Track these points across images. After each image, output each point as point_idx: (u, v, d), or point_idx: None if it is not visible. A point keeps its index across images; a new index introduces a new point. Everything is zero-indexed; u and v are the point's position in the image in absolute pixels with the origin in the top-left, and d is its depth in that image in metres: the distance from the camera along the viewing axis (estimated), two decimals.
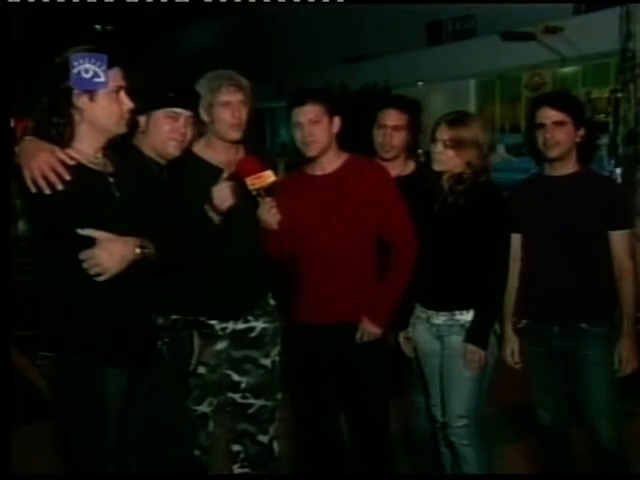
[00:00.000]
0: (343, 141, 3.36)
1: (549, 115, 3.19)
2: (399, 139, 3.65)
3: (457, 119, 3.26)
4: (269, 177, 3.08)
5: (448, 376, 3.27)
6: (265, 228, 3.15)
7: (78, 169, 2.46)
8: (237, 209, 3.00)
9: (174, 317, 2.92)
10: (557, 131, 3.17)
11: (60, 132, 2.47)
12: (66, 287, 2.49)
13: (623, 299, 3.16)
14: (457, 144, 3.19)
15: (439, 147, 3.22)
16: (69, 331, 2.49)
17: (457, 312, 3.25)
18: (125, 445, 2.63)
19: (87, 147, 2.52)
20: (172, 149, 2.96)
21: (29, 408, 4.29)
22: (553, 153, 3.21)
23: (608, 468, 3.25)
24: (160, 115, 2.93)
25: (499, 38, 22.39)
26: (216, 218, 2.94)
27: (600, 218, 3.16)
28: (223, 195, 2.94)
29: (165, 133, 2.93)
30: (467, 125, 3.23)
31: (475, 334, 3.19)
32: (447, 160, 3.22)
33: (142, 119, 2.93)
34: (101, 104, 2.48)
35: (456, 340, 3.23)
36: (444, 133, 3.22)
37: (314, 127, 3.22)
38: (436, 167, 3.26)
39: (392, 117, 3.65)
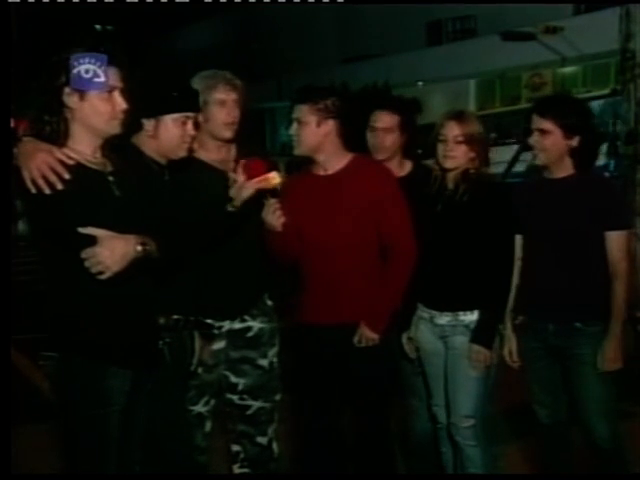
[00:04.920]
0: (346, 142, 3.37)
1: (536, 122, 3.21)
2: (390, 141, 3.64)
3: (463, 115, 3.29)
4: (274, 179, 3.08)
5: (453, 377, 3.28)
6: (269, 229, 3.16)
7: (77, 168, 2.46)
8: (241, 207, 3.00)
9: (175, 317, 2.92)
10: (542, 138, 3.19)
11: (55, 131, 2.47)
12: (68, 287, 2.49)
13: (614, 299, 3.16)
14: (469, 139, 3.21)
15: (450, 144, 3.22)
16: (72, 331, 2.49)
17: (461, 313, 3.25)
18: (127, 445, 2.63)
19: (83, 147, 2.52)
20: (183, 152, 2.97)
21: (29, 408, 4.29)
22: (539, 159, 3.24)
23: (605, 467, 3.26)
24: (170, 120, 2.93)
25: (499, 38, 22.42)
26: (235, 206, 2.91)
27: (596, 219, 3.16)
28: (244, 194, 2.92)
29: (177, 138, 2.93)
30: (472, 120, 3.28)
31: (480, 334, 3.20)
32: (460, 156, 3.23)
33: (149, 123, 2.92)
34: (92, 104, 2.48)
35: (460, 340, 3.24)
36: (454, 130, 3.22)
37: (300, 127, 3.24)
38: (449, 165, 3.25)
39: (382, 119, 3.64)
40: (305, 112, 3.24)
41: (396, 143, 3.65)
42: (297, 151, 3.31)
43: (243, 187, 2.89)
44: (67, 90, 2.45)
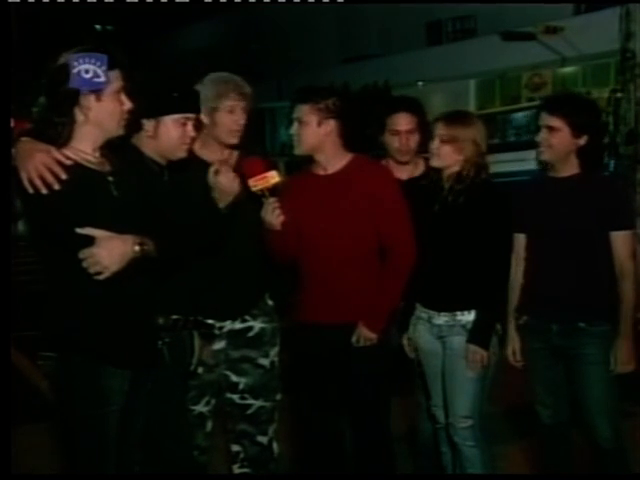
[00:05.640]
0: (347, 142, 3.37)
1: (544, 118, 3.22)
2: (415, 142, 3.68)
3: (454, 115, 3.33)
4: (273, 178, 3.08)
5: (451, 377, 3.28)
6: (268, 228, 3.16)
7: (75, 168, 2.46)
8: (238, 207, 3.00)
9: (174, 317, 2.92)
10: (549, 135, 3.19)
11: (59, 131, 2.47)
12: (67, 287, 2.49)
13: (622, 299, 3.17)
14: (453, 140, 3.23)
15: (436, 142, 3.26)
16: (71, 331, 2.49)
17: (458, 313, 3.25)
18: (127, 445, 2.63)
19: (86, 146, 2.52)
20: (182, 152, 2.97)
21: (29, 408, 4.29)
22: (543, 156, 3.24)
23: (607, 467, 3.25)
24: (170, 121, 2.92)
25: (499, 38, 22.41)
26: (223, 207, 2.92)
27: (601, 219, 3.16)
28: (227, 181, 2.92)
29: (176, 139, 2.93)
30: (464, 122, 3.28)
31: (477, 334, 3.20)
32: (444, 155, 3.25)
33: (149, 123, 2.92)
34: (106, 104, 2.50)
35: (458, 341, 3.24)
36: (441, 129, 3.26)
37: (301, 127, 3.25)
38: (434, 163, 3.30)
39: (405, 121, 3.66)
40: (306, 112, 3.24)
41: (417, 143, 3.67)
42: (297, 151, 3.31)
43: (222, 176, 2.89)
44: (84, 91, 2.46)
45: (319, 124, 3.25)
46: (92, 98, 2.48)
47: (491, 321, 3.25)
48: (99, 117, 2.51)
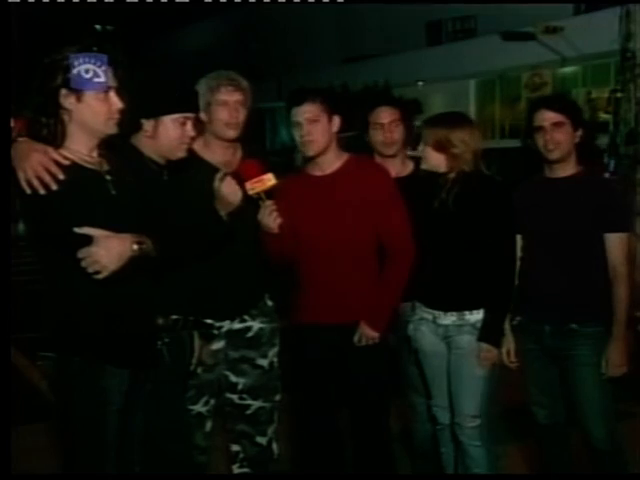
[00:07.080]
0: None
1: (547, 117, 3.21)
2: (399, 134, 3.68)
3: (438, 117, 3.34)
4: (269, 180, 3.08)
5: (458, 377, 3.26)
6: (266, 231, 3.15)
7: (72, 168, 2.46)
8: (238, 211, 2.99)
9: (174, 317, 2.92)
10: (556, 132, 3.19)
11: (51, 132, 2.47)
12: (66, 287, 2.49)
13: (615, 302, 3.16)
14: (435, 141, 3.22)
15: (421, 145, 3.29)
16: (70, 331, 2.49)
17: (467, 312, 3.23)
18: (126, 445, 2.63)
19: (80, 146, 2.52)
20: (181, 152, 2.96)
21: (29, 408, 4.29)
22: (554, 155, 3.22)
23: (603, 468, 3.25)
24: (169, 121, 2.92)
25: (499, 38, 22.40)
26: (224, 215, 2.92)
27: (596, 220, 3.16)
28: (230, 191, 2.92)
29: (176, 138, 2.93)
30: (447, 124, 3.26)
31: (489, 333, 3.19)
32: (428, 157, 3.26)
33: (148, 123, 2.92)
34: (88, 104, 2.48)
35: (467, 340, 3.22)
36: (425, 131, 3.28)
37: (312, 126, 3.22)
38: (423, 166, 3.32)
39: (386, 114, 3.68)
40: (316, 110, 3.21)
41: (402, 137, 3.68)
42: (310, 152, 3.26)
43: (228, 186, 2.88)
44: (64, 92, 2.45)
45: (329, 120, 3.25)
46: (73, 99, 2.46)
47: (501, 319, 3.24)
48: (82, 118, 2.49)
